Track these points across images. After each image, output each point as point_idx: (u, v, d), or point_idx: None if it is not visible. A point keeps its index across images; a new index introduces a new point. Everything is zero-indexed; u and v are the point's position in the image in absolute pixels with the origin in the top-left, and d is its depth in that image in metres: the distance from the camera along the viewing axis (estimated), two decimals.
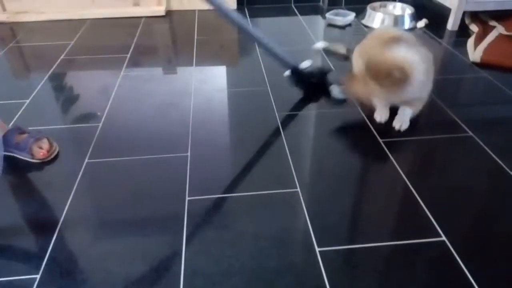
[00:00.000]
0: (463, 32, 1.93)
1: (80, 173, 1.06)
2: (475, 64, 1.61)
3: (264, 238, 0.86)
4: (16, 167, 1.09)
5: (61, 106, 1.38)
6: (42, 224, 0.91)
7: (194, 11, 2.27)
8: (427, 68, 1.19)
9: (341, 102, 1.36)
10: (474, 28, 1.92)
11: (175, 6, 2.28)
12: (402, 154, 1.12)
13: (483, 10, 1.93)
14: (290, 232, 0.88)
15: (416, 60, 1.14)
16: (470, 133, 1.19)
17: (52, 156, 1.12)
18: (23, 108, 1.35)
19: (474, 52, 1.66)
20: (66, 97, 1.43)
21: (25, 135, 1.11)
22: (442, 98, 1.37)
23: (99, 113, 1.28)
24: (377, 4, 2.15)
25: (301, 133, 1.22)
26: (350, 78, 1.24)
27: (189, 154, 1.12)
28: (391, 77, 1.10)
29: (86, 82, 1.55)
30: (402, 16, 2.03)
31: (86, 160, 1.10)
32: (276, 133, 1.21)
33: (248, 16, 2.20)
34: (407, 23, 2.02)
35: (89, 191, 1.00)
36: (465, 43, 1.78)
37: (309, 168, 1.07)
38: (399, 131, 1.21)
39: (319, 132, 1.22)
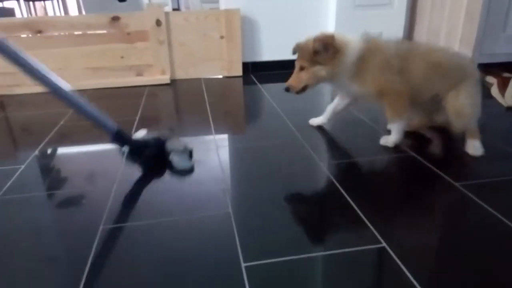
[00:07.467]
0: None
1: (96, 241, 0.80)
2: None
3: None
4: None
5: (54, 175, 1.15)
6: None
7: (200, 79, 2.20)
8: (382, 57, 1.11)
9: (186, 171, 1.10)
10: (491, 79, 1.90)
11: (180, 75, 2.20)
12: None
13: (495, 62, 1.93)
14: None
15: (353, 39, 1.12)
16: None
17: None
18: (16, 174, 1.11)
19: (505, 97, 1.60)
20: (56, 171, 1.22)
21: None
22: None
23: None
24: None
25: (360, 182, 1.02)
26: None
27: (230, 210, 0.90)
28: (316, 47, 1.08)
29: (77, 154, 1.34)
30: None
31: (102, 226, 0.85)
32: (331, 185, 1.01)
33: (257, 82, 2.13)
34: None
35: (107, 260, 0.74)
36: (487, 93, 1.74)
37: (389, 218, 0.86)
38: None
39: (378, 174, 1.03)
